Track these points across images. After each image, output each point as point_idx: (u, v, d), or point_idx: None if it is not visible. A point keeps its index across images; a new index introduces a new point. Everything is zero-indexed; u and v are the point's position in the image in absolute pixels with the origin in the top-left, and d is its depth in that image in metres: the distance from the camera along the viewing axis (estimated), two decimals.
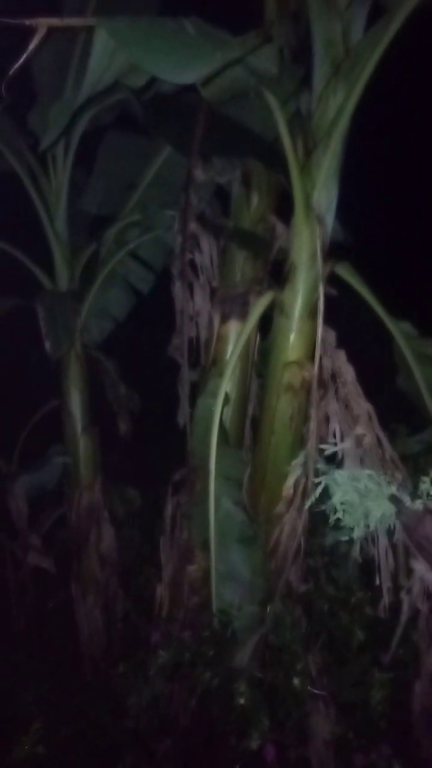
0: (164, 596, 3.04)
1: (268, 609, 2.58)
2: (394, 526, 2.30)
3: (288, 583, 2.64)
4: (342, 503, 2.33)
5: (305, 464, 2.55)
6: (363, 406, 2.66)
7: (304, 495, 2.58)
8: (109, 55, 1.65)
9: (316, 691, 2.41)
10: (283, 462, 2.65)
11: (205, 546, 2.66)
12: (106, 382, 4.11)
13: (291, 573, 2.64)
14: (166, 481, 3.12)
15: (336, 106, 2.30)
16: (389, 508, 2.25)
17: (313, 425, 2.53)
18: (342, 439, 2.61)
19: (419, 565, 2.25)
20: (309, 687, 2.40)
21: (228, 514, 2.65)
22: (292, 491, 2.60)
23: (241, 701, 2.38)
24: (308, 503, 2.47)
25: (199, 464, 2.73)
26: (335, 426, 2.65)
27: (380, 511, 2.26)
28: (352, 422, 2.64)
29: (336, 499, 2.34)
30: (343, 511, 2.31)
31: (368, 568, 2.58)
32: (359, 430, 2.61)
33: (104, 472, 3.85)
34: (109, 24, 1.63)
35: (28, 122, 3.42)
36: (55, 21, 1.56)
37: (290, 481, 2.60)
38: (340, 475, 2.37)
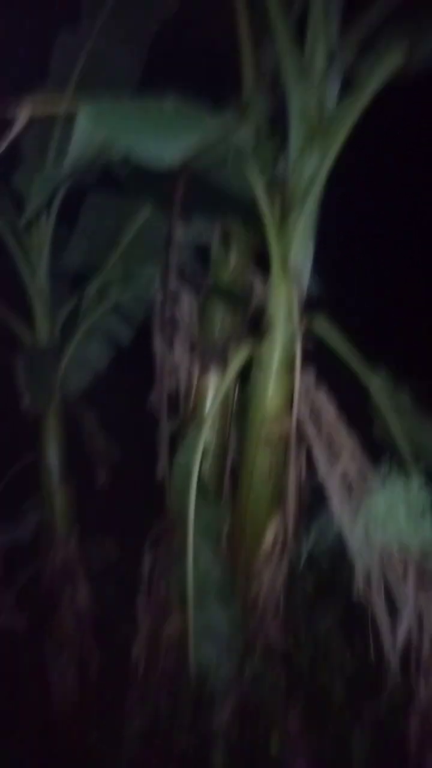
0: (141, 655, 2.96)
1: (246, 667, 2.53)
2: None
3: (267, 639, 2.60)
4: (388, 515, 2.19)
5: (284, 519, 2.55)
6: (345, 441, 2.66)
7: (284, 550, 2.57)
8: (90, 135, 1.73)
9: (295, 752, 2.33)
10: (262, 516, 2.64)
11: (183, 603, 2.62)
12: (85, 433, 4.09)
13: (270, 629, 2.60)
14: (145, 532, 3.09)
15: (311, 171, 2.42)
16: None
17: (291, 480, 2.54)
18: (326, 477, 2.58)
19: None
20: (288, 747, 2.32)
21: (206, 569, 2.62)
22: (271, 546, 2.58)
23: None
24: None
25: (178, 519, 2.71)
26: (319, 464, 2.63)
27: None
28: (336, 458, 2.62)
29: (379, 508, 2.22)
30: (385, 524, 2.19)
31: (350, 619, 2.54)
32: (344, 464, 2.59)
33: (81, 523, 3.79)
34: (91, 108, 1.71)
35: (12, 180, 3.51)
36: (38, 108, 1.64)
37: (269, 536, 2.59)
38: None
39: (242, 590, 2.62)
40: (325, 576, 2.58)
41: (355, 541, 2.24)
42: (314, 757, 2.43)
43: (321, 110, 2.43)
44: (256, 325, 2.90)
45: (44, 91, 3.27)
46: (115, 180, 3.51)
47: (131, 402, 3.66)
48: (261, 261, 2.97)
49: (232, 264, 3.13)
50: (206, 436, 2.81)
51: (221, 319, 3.15)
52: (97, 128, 1.70)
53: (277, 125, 2.55)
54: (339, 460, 2.48)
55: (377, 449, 2.67)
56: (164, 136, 1.77)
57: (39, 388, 3.15)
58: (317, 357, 2.69)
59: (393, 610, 2.19)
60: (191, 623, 2.60)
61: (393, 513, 2.12)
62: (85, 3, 3.35)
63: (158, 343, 3.26)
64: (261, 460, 2.68)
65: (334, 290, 2.82)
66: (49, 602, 3.49)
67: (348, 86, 2.53)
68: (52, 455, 3.65)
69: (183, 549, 2.65)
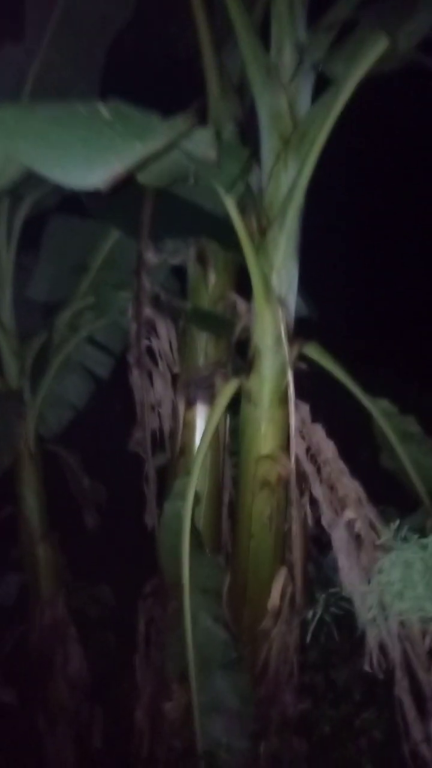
0: (144, 728, 2.67)
1: (261, 743, 2.24)
2: None
3: (282, 710, 2.31)
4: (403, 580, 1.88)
5: (291, 570, 2.27)
6: (349, 486, 2.40)
7: (293, 605, 2.29)
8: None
9: None
10: (266, 569, 2.36)
11: (184, 676, 2.32)
12: (68, 476, 3.81)
13: (285, 698, 2.31)
14: (140, 579, 2.82)
15: (288, 181, 2.14)
16: None
17: (295, 527, 2.26)
18: (331, 526, 2.32)
19: None
20: None
21: (207, 634, 2.32)
22: (278, 602, 2.30)
23: None
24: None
25: (171, 577, 2.42)
26: (322, 510, 2.37)
27: None
28: (340, 506, 2.37)
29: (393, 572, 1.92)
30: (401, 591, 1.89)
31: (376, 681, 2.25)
32: (349, 513, 2.33)
33: (71, 573, 3.50)
34: None
35: None
36: None
37: (275, 591, 2.30)
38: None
39: (249, 655, 2.34)
40: (344, 633, 2.29)
41: (366, 609, 1.93)
42: None
43: (294, 113, 2.15)
44: (243, 351, 2.64)
45: None
46: (78, 203, 3.24)
47: (116, 437, 3.40)
48: (243, 278, 2.70)
49: (211, 285, 2.85)
50: (197, 479, 2.53)
51: (204, 345, 2.87)
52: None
53: (248, 136, 2.28)
54: (343, 506, 2.20)
55: (383, 489, 2.40)
56: (96, 149, 1.33)
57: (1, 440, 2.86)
58: (311, 387, 2.41)
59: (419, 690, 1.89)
60: (195, 697, 2.30)
61: (409, 577, 1.81)
62: (29, 13, 3.06)
63: (136, 379, 2.98)
64: (259, 506, 2.40)
65: (324, 311, 2.54)
66: (38, 670, 3.19)
67: (322, 85, 2.26)
68: (31, 506, 3.34)
69: (180, 613, 2.35)
